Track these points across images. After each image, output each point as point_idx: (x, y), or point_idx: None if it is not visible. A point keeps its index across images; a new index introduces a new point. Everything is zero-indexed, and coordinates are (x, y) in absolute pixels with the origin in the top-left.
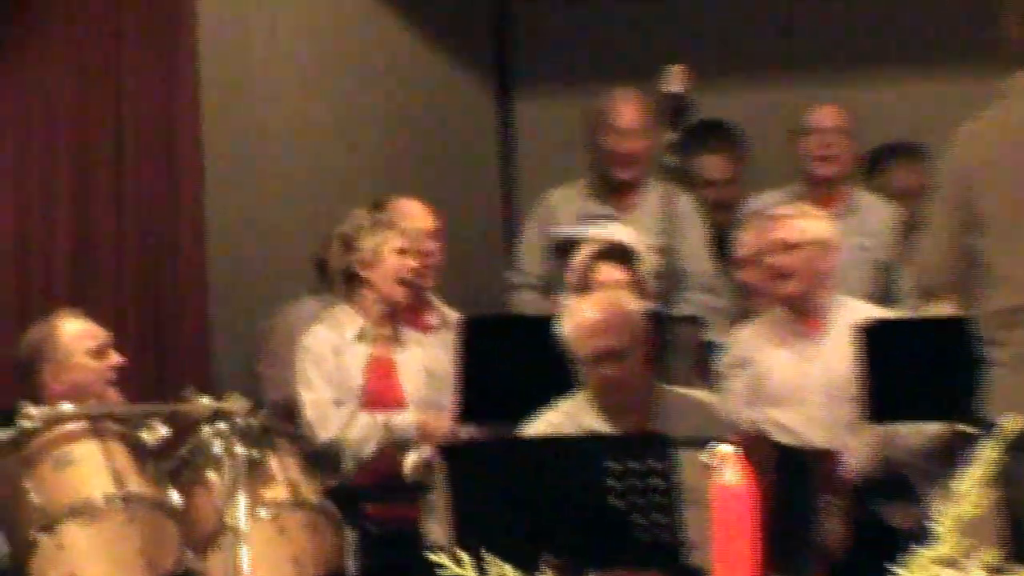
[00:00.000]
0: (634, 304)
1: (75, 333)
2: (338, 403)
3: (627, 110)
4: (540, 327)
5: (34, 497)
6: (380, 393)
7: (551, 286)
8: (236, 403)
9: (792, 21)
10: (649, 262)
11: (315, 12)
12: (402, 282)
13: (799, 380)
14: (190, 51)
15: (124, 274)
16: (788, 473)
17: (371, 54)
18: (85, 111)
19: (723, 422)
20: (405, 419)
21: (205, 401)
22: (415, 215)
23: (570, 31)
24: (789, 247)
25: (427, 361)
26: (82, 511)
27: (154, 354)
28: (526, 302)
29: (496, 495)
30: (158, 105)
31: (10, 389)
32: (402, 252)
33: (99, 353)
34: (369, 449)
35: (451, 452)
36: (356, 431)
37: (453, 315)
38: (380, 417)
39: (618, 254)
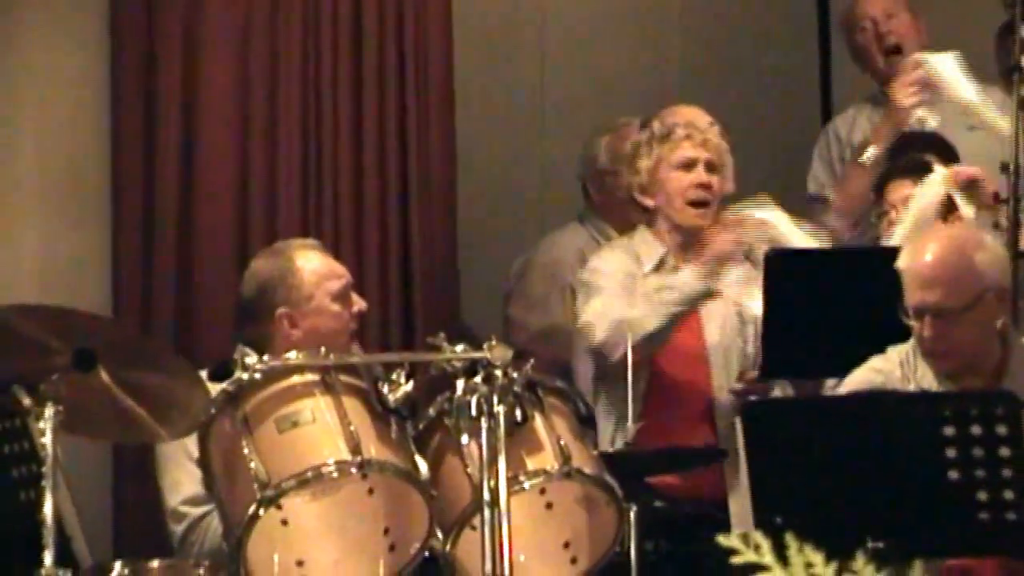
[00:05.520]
0: (986, 249)
1: (317, 270)
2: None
3: None
4: (863, 262)
5: (254, 464)
6: (676, 342)
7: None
8: (497, 352)
9: None
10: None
11: None
12: (694, 203)
13: None
14: None
15: (363, 207)
16: None
17: None
18: (316, 24)
19: None
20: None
21: (459, 350)
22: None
23: None
24: None
25: (734, 303)
26: (311, 481)
27: (397, 295)
28: None
29: (805, 465)
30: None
31: (227, 336)
32: (686, 166)
33: (343, 297)
34: (656, 326)
35: (752, 413)
36: (636, 312)
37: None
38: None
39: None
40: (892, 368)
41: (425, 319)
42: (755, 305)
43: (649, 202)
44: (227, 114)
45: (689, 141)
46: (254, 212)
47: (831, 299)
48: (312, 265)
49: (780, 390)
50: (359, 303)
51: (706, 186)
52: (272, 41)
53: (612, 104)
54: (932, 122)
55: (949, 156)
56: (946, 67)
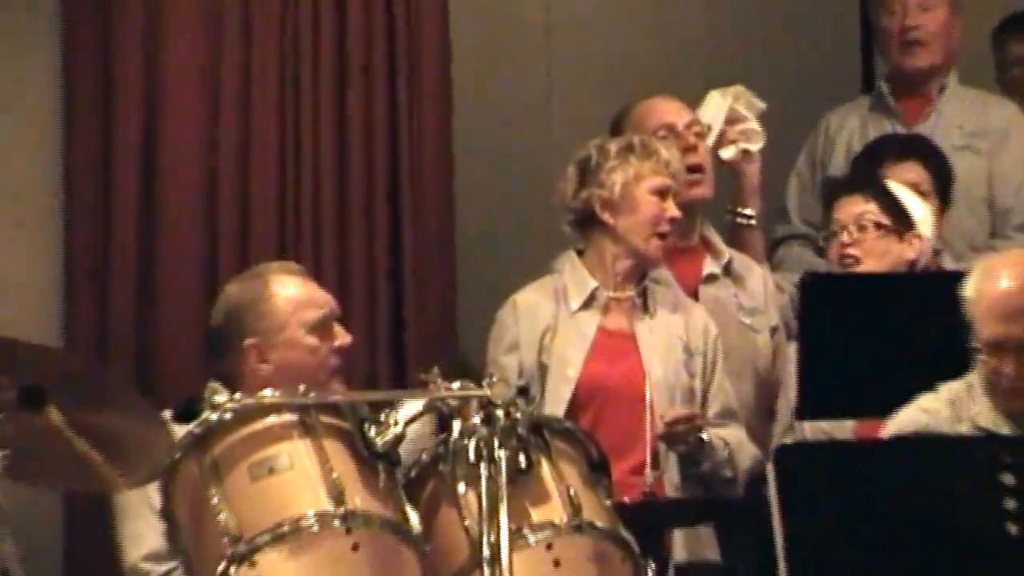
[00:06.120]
0: None
1: (293, 298)
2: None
3: None
4: (914, 288)
5: (224, 516)
6: (608, 380)
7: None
8: (498, 389)
9: None
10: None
11: None
12: (661, 235)
13: None
14: None
15: (348, 220)
16: None
17: None
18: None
19: None
20: None
21: (455, 387)
22: (669, 115)
23: None
24: None
25: (688, 331)
26: (289, 535)
27: (386, 324)
28: (795, 260)
29: (844, 517)
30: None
31: (193, 371)
32: (661, 194)
33: (322, 328)
34: None
35: (782, 458)
36: None
37: (749, 263)
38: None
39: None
40: (940, 407)
41: (417, 351)
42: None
43: (611, 220)
44: (193, 122)
45: (668, 169)
46: (224, 230)
47: (876, 330)
48: (288, 291)
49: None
50: (342, 337)
51: (675, 221)
52: (245, 34)
53: (629, 92)
54: (755, 147)
55: (934, 159)
56: (714, 105)
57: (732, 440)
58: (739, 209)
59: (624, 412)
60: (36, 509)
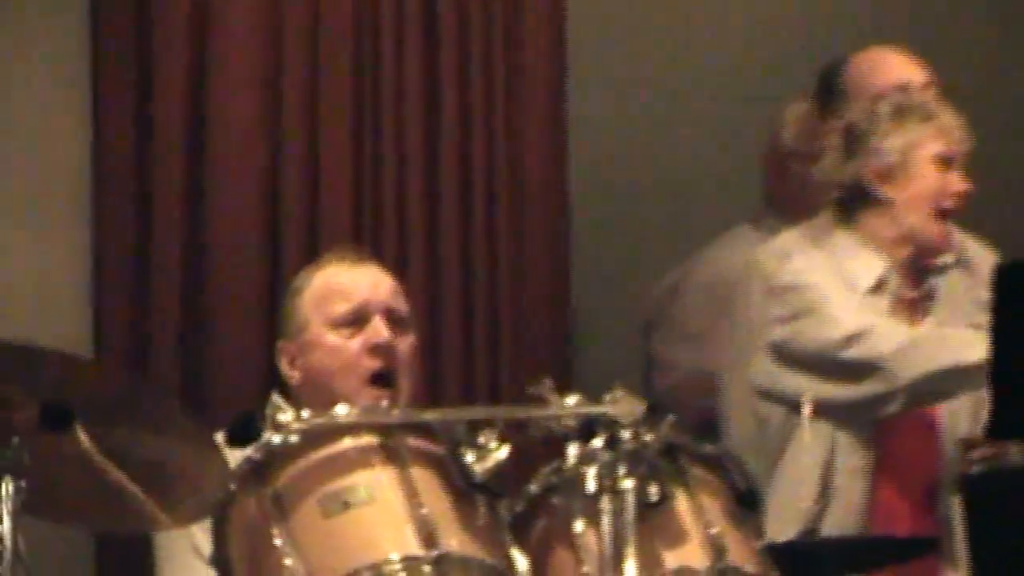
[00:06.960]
0: None
1: (320, 288)
2: None
3: None
4: None
5: (290, 562)
6: None
7: None
8: (623, 406)
9: None
10: None
11: None
12: (943, 214)
13: None
14: None
15: (439, 205)
16: None
17: None
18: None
19: None
20: None
21: (570, 403)
22: (901, 71)
23: None
24: None
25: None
26: None
27: (484, 328)
28: None
29: None
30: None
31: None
32: (945, 163)
33: (351, 324)
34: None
35: (978, 487)
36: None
37: (984, 255)
38: None
39: None
40: None
41: (523, 361)
42: None
43: (889, 193)
44: (250, 93)
45: (952, 135)
46: (286, 219)
47: None
48: (321, 280)
49: None
50: (377, 332)
51: (963, 195)
52: None
53: (784, 58)
54: None
55: None
56: None
57: None
58: None
59: (909, 435)
60: (61, 552)
